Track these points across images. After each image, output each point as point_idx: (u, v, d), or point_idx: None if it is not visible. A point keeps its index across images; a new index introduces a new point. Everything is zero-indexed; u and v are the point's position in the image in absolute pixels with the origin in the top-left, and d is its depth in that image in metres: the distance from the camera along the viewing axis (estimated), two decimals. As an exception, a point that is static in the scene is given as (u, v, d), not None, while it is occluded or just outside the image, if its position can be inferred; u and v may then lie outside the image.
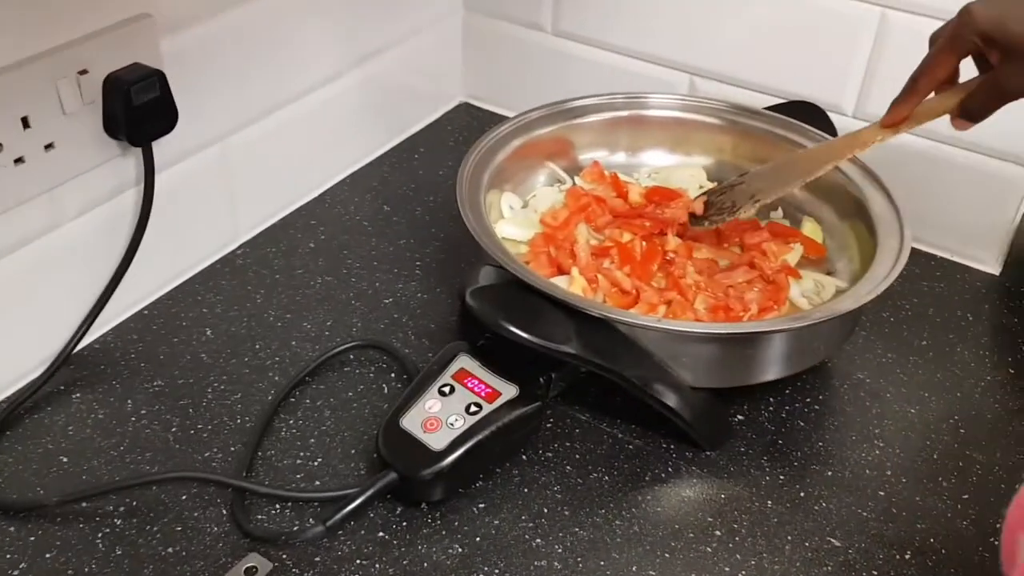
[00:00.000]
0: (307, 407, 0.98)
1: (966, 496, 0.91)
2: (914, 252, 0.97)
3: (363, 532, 0.86)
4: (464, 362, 0.93)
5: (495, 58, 1.45)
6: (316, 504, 0.88)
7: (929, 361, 1.06)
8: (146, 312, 1.08)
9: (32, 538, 0.84)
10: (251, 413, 0.97)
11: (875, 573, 0.84)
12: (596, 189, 1.17)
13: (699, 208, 1.09)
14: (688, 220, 1.10)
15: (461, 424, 0.88)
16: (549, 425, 0.97)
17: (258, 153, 1.16)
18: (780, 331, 0.92)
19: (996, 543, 0.87)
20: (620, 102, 1.20)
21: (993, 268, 1.19)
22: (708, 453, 0.95)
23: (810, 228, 1.12)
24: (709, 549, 0.86)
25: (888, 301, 1.12)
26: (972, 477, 0.93)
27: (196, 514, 0.87)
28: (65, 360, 0.98)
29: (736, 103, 1.19)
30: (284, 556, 0.83)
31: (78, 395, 0.98)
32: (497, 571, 0.83)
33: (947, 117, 0.93)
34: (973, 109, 0.90)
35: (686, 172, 1.20)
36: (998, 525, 0.88)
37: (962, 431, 0.98)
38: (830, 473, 0.93)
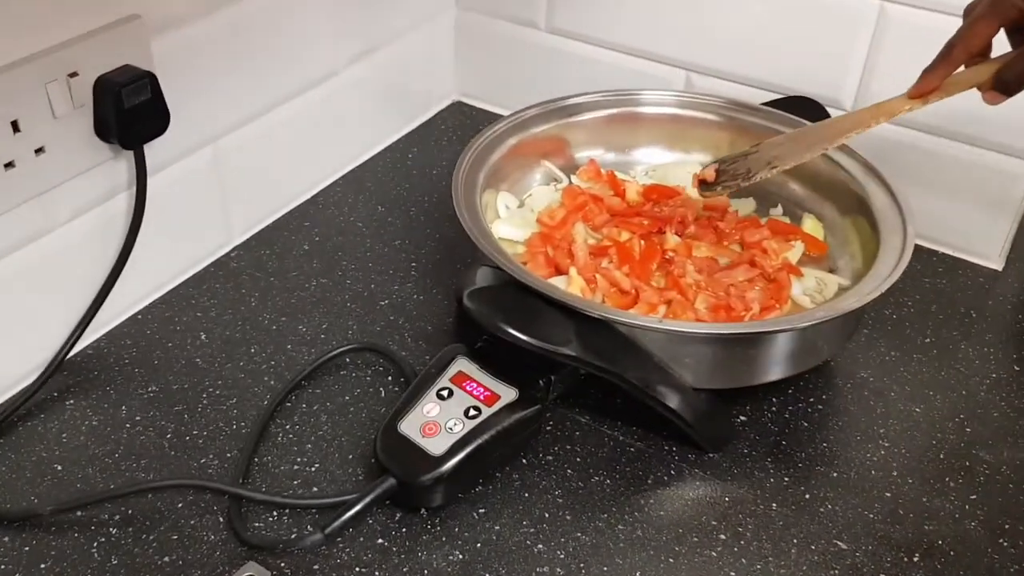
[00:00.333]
0: (303, 412, 0.97)
1: (974, 496, 0.90)
2: (916, 248, 0.96)
3: (362, 539, 0.85)
4: (462, 365, 0.92)
5: (488, 56, 1.44)
6: (314, 511, 0.87)
7: (933, 359, 1.05)
8: (140, 317, 1.07)
9: (26, 548, 0.83)
10: (247, 418, 0.96)
11: (883, 576, 0.83)
12: (593, 188, 1.16)
13: (710, 175, 1.07)
14: (699, 187, 1.09)
15: (460, 428, 0.87)
16: (549, 428, 0.96)
17: (251, 155, 1.15)
18: (783, 331, 0.91)
19: (1005, 544, 0.86)
20: (616, 99, 1.19)
21: (996, 264, 1.19)
22: (711, 455, 0.94)
23: (811, 225, 1.11)
24: (714, 553, 0.85)
25: (890, 298, 1.11)
26: (980, 477, 0.92)
27: (193, 522, 0.85)
28: (58, 366, 0.97)
29: (733, 99, 1.19)
30: (282, 564, 0.82)
31: (72, 402, 0.97)
32: (499, 578, 0.83)
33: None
34: (1010, 80, 0.87)
35: (683, 169, 1.19)
36: (1007, 526, 0.87)
37: (968, 430, 0.97)
38: (835, 474, 0.92)
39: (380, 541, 0.85)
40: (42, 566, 0.81)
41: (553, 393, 0.93)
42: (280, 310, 1.09)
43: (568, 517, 0.87)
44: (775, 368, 0.94)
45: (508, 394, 0.89)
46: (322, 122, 1.25)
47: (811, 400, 1.00)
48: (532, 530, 0.86)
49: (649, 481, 0.91)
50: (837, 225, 1.09)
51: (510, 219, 1.11)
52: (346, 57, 1.25)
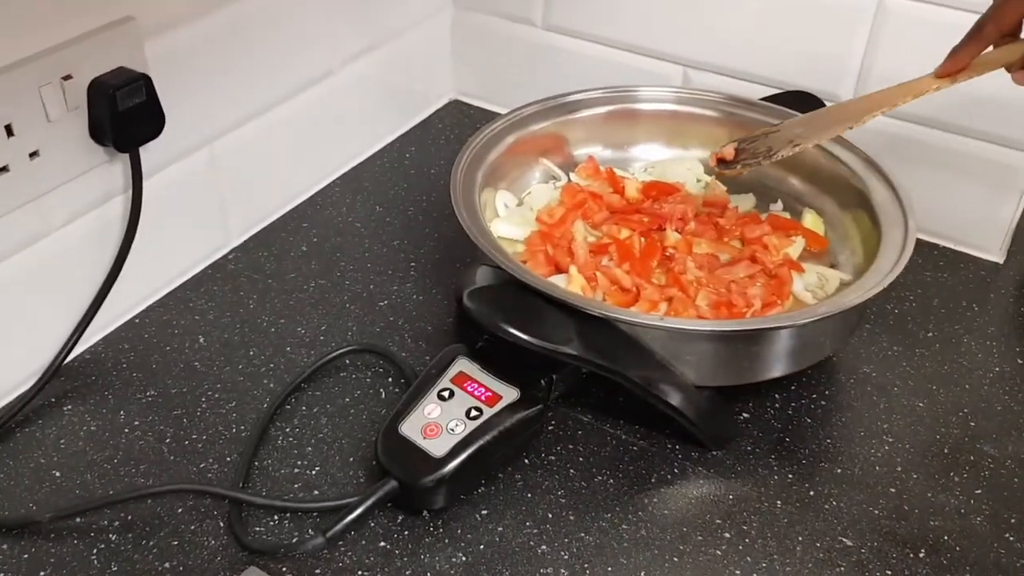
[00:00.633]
0: (303, 415, 0.96)
1: (979, 491, 0.90)
2: (916, 242, 0.95)
3: (364, 542, 0.84)
4: (463, 365, 0.91)
5: (485, 54, 1.43)
6: (315, 514, 0.86)
7: (936, 353, 1.05)
8: (137, 321, 1.06)
9: (25, 556, 0.82)
10: (246, 422, 0.95)
11: (889, 573, 0.83)
12: (592, 185, 1.15)
13: (729, 154, 1.07)
14: (716, 166, 1.08)
15: (462, 429, 0.86)
16: (551, 428, 0.95)
17: (247, 156, 1.15)
18: (786, 327, 0.91)
19: (1011, 538, 0.85)
20: (614, 96, 1.19)
21: (997, 257, 1.18)
22: (714, 453, 0.93)
23: (811, 220, 1.10)
24: (719, 552, 0.84)
25: (892, 293, 1.11)
26: (984, 471, 0.91)
27: (193, 527, 0.85)
28: (55, 372, 0.97)
29: (732, 94, 1.18)
30: (284, 569, 0.81)
31: (69, 407, 0.96)
32: (502, 579, 0.82)
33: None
34: None
35: (683, 166, 1.18)
36: (1013, 520, 0.87)
37: (972, 424, 0.96)
38: (839, 471, 0.92)
39: (382, 544, 0.84)
40: (41, 573, 0.81)
41: (555, 392, 0.93)
42: (279, 312, 1.08)
43: (571, 517, 0.87)
44: (777, 365, 0.94)
45: (509, 394, 0.89)
46: (319, 122, 1.24)
47: (814, 396, 0.99)
48: (535, 531, 0.86)
49: (652, 480, 0.91)
50: (837, 220, 1.09)
51: (509, 218, 1.10)
52: (342, 57, 1.25)
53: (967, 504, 0.88)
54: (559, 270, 1.03)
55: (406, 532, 0.85)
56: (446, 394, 0.89)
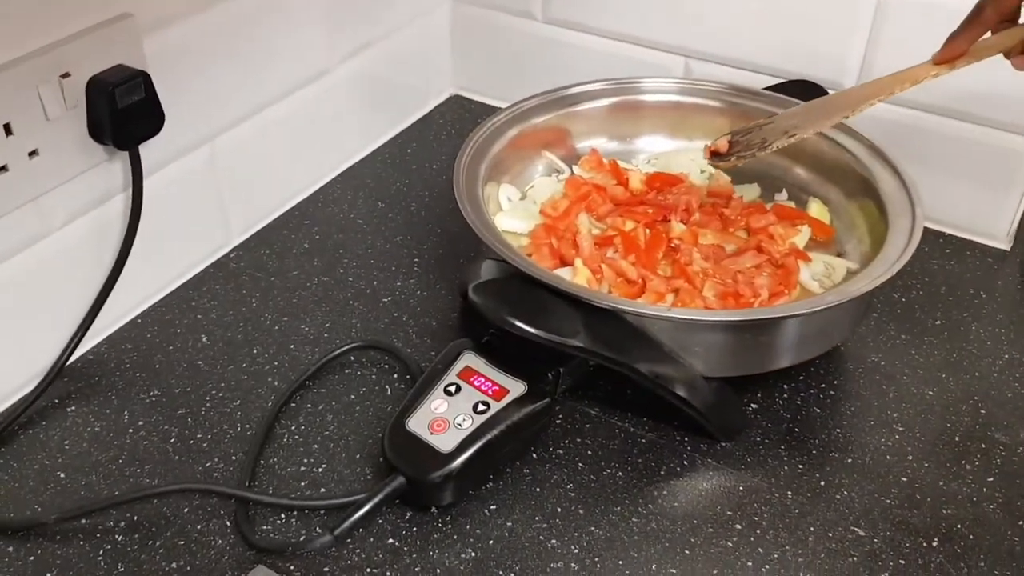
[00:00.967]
0: (309, 412, 0.95)
1: (991, 479, 0.89)
2: (923, 230, 0.94)
3: (372, 539, 0.84)
4: (469, 360, 0.91)
5: (485, 48, 1.42)
6: (322, 512, 0.86)
7: (944, 341, 1.04)
8: (139, 320, 1.06)
9: (31, 558, 0.82)
10: (251, 420, 0.94)
11: (902, 562, 0.82)
12: (596, 177, 1.15)
13: (723, 146, 1.05)
14: (710, 158, 1.07)
15: (469, 424, 0.85)
16: (559, 421, 0.95)
17: (248, 153, 1.14)
18: (794, 316, 0.90)
19: (1025, 526, 0.85)
20: (616, 88, 1.18)
21: (1004, 244, 1.17)
22: (723, 444, 0.92)
23: (817, 209, 1.10)
24: (730, 544, 0.84)
25: (899, 281, 1.10)
26: (996, 459, 0.91)
27: (199, 527, 0.84)
28: (58, 373, 0.96)
29: (734, 84, 1.17)
30: (292, 567, 0.81)
31: (73, 408, 0.95)
32: (512, 574, 0.81)
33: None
34: None
35: (686, 157, 1.18)
36: (1026, 507, 0.87)
37: (983, 412, 0.96)
38: (849, 460, 0.91)
39: (391, 541, 0.83)
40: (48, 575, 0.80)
41: (562, 386, 0.92)
42: (282, 310, 1.07)
43: (581, 511, 0.86)
44: (786, 354, 0.93)
45: (517, 388, 0.88)
46: (320, 119, 1.24)
47: (822, 386, 0.98)
48: (545, 525, 0.85)
49: (662, 472, 0.90)
50: (843, 208, 1.08)
51: (513, 211, 1.09)
52: (342, 53, 1.24)
53: (979, 492, 0.88)
54: (564, 263, 1.02)
55: (414, 528, 0.85)
56: (453, 389, 0.88)
